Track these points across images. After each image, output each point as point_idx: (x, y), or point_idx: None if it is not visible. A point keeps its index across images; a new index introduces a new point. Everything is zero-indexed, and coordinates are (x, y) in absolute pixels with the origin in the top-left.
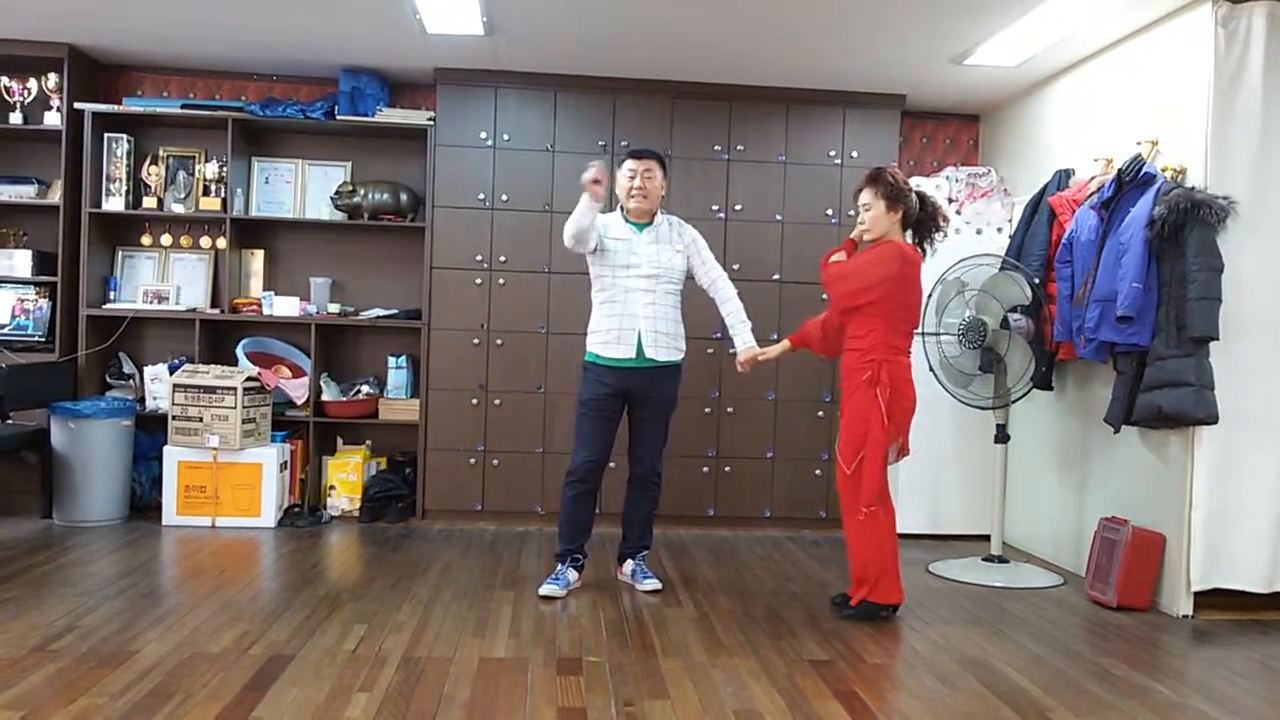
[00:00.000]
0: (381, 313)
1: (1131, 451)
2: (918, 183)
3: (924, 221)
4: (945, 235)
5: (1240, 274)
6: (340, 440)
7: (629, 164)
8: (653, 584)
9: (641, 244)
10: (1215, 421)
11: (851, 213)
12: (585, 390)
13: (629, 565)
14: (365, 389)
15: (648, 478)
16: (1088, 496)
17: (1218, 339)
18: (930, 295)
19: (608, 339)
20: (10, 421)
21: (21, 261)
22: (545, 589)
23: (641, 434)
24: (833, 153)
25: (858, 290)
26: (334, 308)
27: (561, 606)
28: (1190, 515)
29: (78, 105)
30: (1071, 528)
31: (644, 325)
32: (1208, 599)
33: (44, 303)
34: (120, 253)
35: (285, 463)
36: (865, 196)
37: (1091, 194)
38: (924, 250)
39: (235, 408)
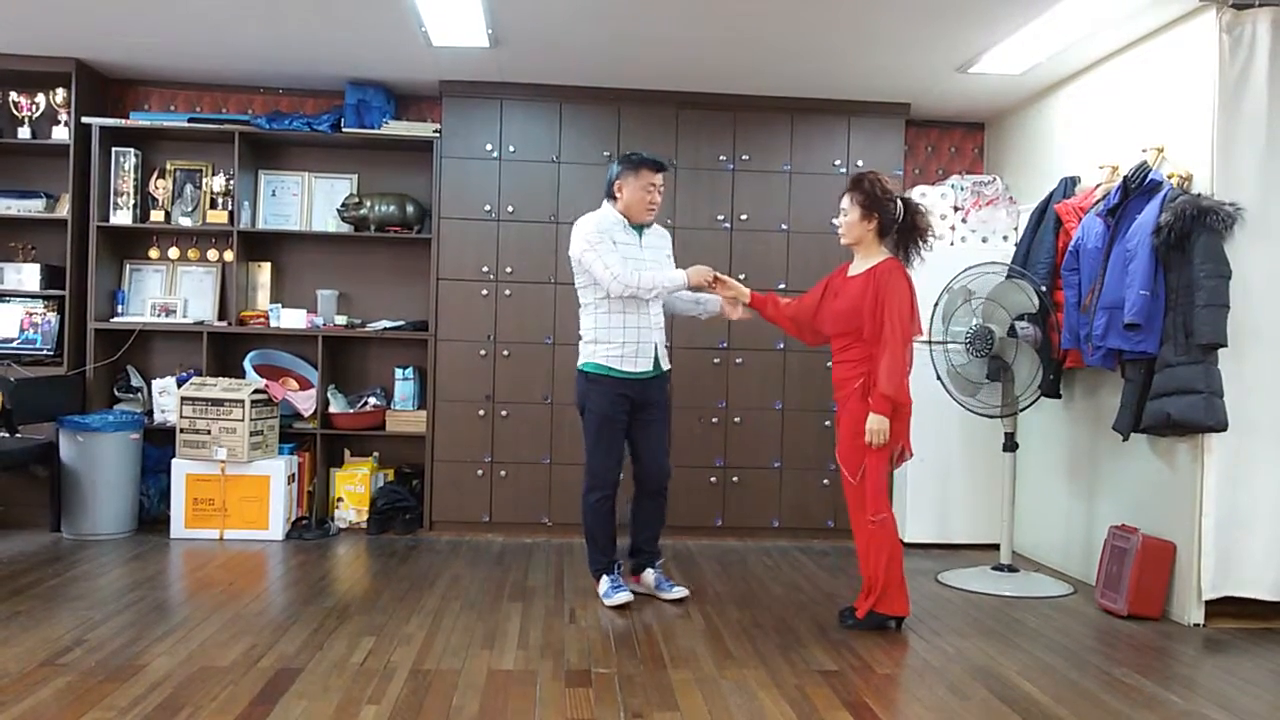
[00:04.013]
0: (388, 324)
1: (1141, 459)
2: (922, 191)
3: (906, 232)
4: (931, 247)
5: (1248, 280)
6: (348, 452)
7: (651, 176)
8: (681, 591)
9: (644, 250)
10: (1225, 429)
11: None
12: (599, 403)
13: (651, 576)
14: (372, 401)
15: (662, 483)
16: (1097, 505)
17: (1226, 346)
18: (936, 304)
19: (625, 353)
20: (19, 435)
21: (30, 275)
22: (619, 598)
23: (651, 440)
24: (838, 162)
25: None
26: (341, 320)
27: (569, 618)
28: (1201, 523)
29: (85, 120)
30: (1081, 536)
31: (657, 336)
32: (1219, 607)
33: (52, 316)
34: (128, 266)
35: (293, 475)
36: (844, 201)
37: (1097, 201)
38: (907, 260)
39: (243, 420)
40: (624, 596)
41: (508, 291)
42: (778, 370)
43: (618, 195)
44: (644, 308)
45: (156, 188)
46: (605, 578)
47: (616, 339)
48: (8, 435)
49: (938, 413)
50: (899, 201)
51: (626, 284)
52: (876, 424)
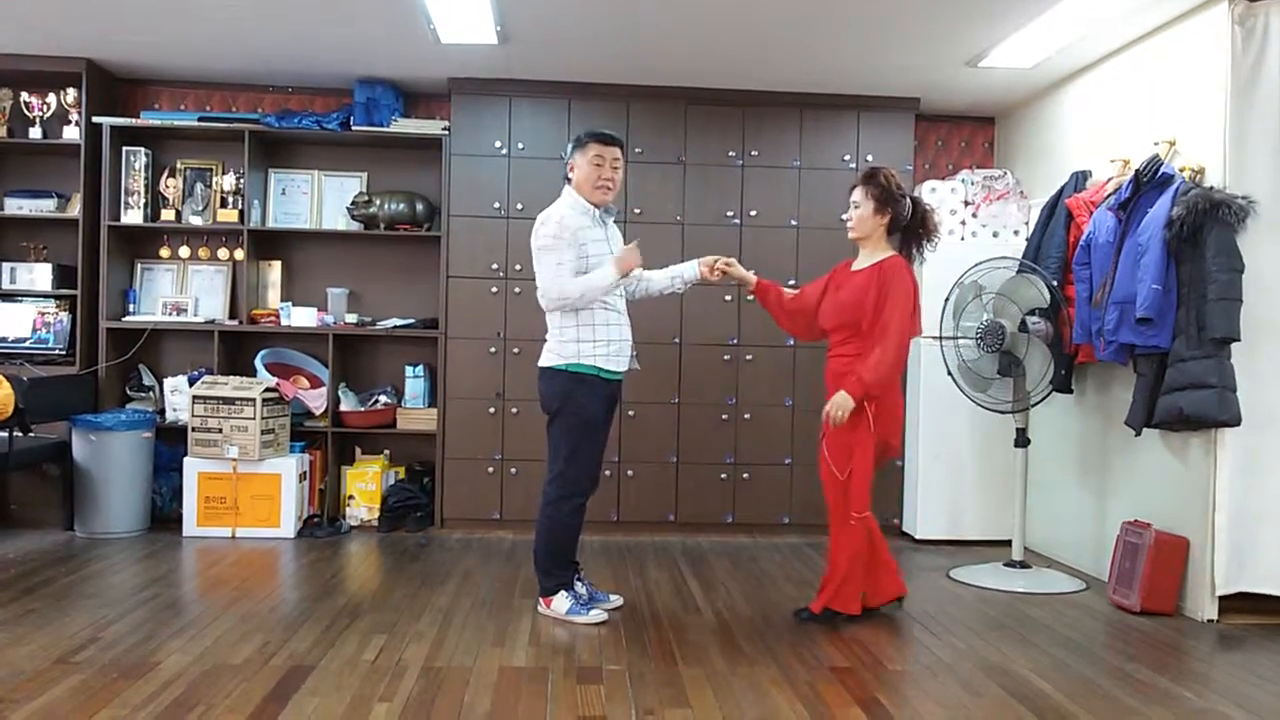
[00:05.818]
0: (398, 322)
1: (1153, 454)
2: (932, 186)
3: (913, 229)
4: (935, 246)
5: (1261, 274)
6: (359, 450)
7: (598, 148)
8: (617, 600)
9: (612, 237)
10: (1238, 423)
11: None
12: (587, 405)
13: (584, 588)
14: (383, 399)
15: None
16: (1109, 500)
17: (1239, 340)
18: (947, 299)
19: (611, 351)
20: (32, 434)
21: (42, 275)
22: (597, 615)
23: (604, 444)
24: (847, 157)
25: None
26: (351, 318)
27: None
28: (1214, 518)
29: (96, 119)
30: (1093, 532)
31: (628, 332)
32: (1233, 603)
33: (64, 316)
34: (139, 265)
35: (304, 473)
36: (856, 195)
37: (1109, 195)
38: (911, 258)
39: (254, 419)
40: (601, 614)
41: (517, 289)
42: (788, 366)
43: (571, 176)
44: (618, 301)
45: (167, 187)
46: (565, 595)
47: (602, 337)
48: (21, 434)
49: (949, 408)
50: (909, 199)
51: (561, 296)
52: (842, 400)
